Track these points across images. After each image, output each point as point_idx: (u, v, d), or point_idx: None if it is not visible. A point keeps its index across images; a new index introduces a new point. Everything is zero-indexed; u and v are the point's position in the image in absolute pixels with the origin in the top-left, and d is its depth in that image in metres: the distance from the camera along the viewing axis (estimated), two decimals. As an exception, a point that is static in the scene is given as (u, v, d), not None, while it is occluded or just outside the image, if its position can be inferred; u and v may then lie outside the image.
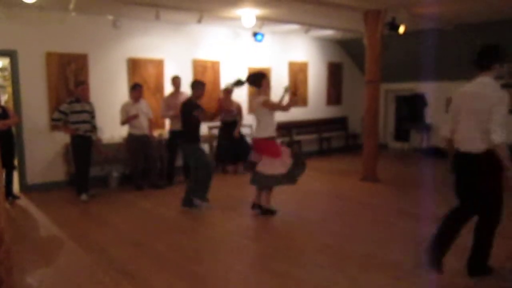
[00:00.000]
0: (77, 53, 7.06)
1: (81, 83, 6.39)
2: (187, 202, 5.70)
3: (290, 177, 5.19)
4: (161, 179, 7.19)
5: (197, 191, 5.64)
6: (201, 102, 5.77)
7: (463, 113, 3.40)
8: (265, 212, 5.33)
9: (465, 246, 3.59)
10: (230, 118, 7.81)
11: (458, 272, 3.59)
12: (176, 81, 7.26)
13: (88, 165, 6.33)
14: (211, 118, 6.03)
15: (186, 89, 6.90)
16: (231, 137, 7.71)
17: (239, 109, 7.93)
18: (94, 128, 6.39)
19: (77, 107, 6.12)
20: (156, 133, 7.42)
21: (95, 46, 7.25)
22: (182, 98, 6.52)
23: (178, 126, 6.25)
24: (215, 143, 8.20)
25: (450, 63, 9.38)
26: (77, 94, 6.22)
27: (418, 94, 10.44)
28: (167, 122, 7.59)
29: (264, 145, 5.22)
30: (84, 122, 6.16)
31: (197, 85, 5.69)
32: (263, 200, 5.34)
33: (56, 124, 6.28)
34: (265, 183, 5.23)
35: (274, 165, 5.13)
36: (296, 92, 6.30)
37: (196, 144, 5.64)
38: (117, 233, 4.85)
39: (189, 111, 5.54)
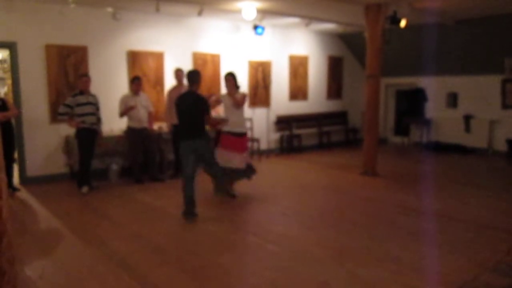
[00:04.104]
0: (76, 45, 7.03)
1: (84, 75, 6.38)
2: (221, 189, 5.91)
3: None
4: (160, 172, 7.18)
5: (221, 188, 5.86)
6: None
7: None
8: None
9: (466, 245, 3.61)
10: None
11: (457, 268, 3.61)
12: (178, 73, 7.06)
13: (91, 158, 6.34)
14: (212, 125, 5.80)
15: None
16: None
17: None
18: (98, 120, 6.39)
19: (82, 99, 6.13)
20: (155, 126, 7.40)
21: (95, 39, 7.22)
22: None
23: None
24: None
25: (451, 58, 9.36)
26: (79, 86, 6.22)
27: (419, 89, 10.43)
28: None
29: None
30: (89, 114, 6.17)
31: (197, 76, 5.11)
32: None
33: (62, 118, 6.26)
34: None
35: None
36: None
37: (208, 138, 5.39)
38: (117, 226, 4.86)
39: (204, 109, 5.08)
